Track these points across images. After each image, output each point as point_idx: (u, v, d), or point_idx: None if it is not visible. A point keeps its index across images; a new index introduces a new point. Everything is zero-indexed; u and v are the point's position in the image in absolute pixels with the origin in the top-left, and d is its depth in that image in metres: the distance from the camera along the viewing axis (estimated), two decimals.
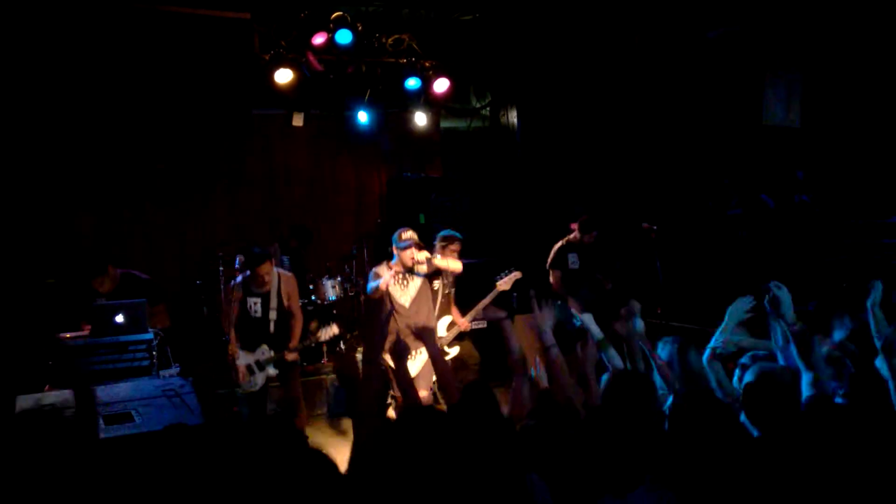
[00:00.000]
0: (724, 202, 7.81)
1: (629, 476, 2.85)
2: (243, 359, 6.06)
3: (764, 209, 7.89)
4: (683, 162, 8.27)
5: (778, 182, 7.76)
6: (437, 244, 6.80)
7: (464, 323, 6.97)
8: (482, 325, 8.09)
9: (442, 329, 6.93)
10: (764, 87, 6.69)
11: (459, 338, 7.11)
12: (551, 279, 7.74)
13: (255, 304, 6.08)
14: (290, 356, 6.11)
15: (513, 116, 9.47)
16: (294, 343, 6.13)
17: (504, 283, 6.87)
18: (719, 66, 7.54)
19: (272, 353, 6.06)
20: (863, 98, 7.21)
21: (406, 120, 9.35)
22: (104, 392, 4.69)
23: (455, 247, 6.83)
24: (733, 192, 7.73)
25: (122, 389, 4.79)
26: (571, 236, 7.69)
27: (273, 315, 6.08)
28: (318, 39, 7.94)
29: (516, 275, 6.90)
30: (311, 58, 8.02)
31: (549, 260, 7.72)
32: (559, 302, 7.81)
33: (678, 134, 8.22)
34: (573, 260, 7.64)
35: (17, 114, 7.31)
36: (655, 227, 7.47)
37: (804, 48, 6.93)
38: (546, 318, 4.00)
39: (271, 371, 6.09)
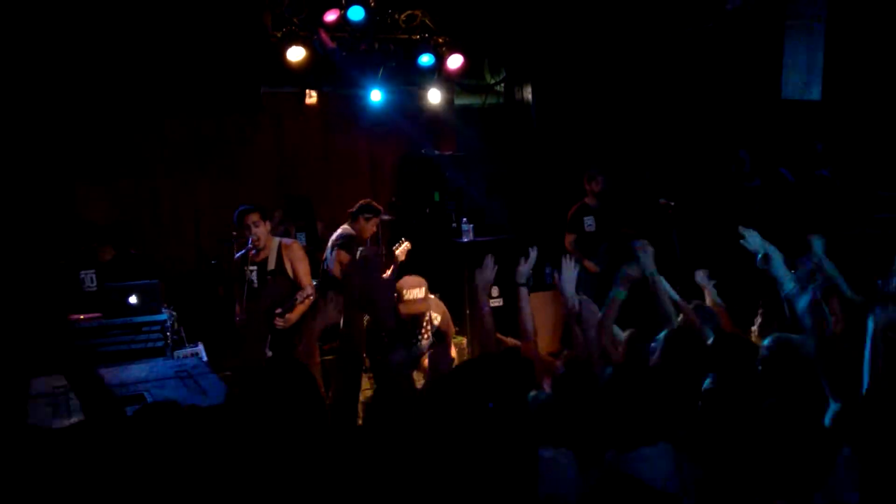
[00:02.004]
0: (742, 175, 7.71)
1: (642, 434, 2.82)
2: None
3: (783, 183, 7.79)
4: (701, 137, 8.15)
5: (797, 155, 7.64)
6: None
7: None
8: (499, 302, 8.06)
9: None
10: (783, 59, 6.56)
11: None
12: (566, 242, 7.81)
13: (252, 272, 5.69)
14: (279, 322, 5.54)
15: (528, 92, 9.36)
16: (285, 310, 5.54)
17: (400, 253, 6.90)
18: (738, 39, 7.39)
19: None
20: (885, 70, 7.06)
21: (420, 97, 9.26)
22: (117, 373, 4.70)
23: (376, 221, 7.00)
24: (750, 164, 7.63)
25: (135, 370, 4.80)
26: (586, 199, 7.77)
27: None
28: (331, 16, 7.86)
29: (406, 246, 6.90)
30: (324, 35, 7.94)
31: (567, 224, 7.78)
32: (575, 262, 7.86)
33: (696, 108, 8.10)
34: (589, 223, 7.76)
35: (22, 89, 7.28)
36: (673, 203, 7.39)
37: (825, 18, 6.78)
38: (566, 282, 3.99)
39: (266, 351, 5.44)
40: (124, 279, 6.05)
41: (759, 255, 3.81)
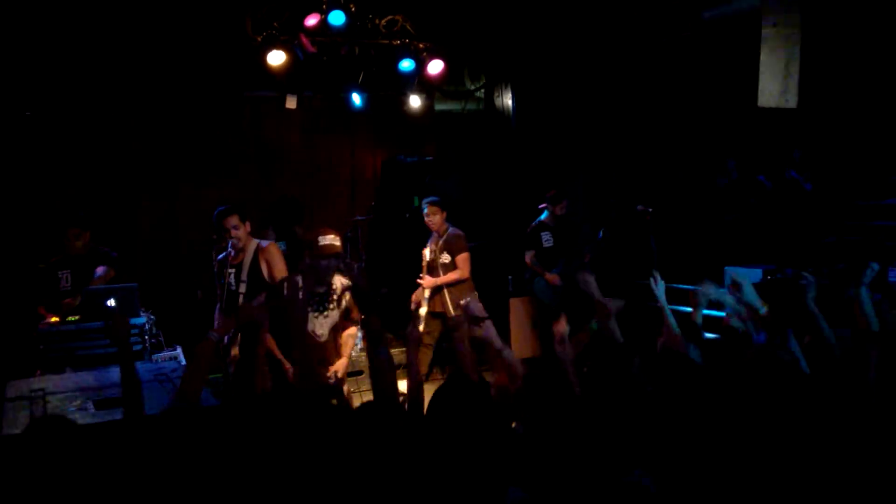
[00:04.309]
0: (732, 184, 7.83)
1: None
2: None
3: (761, 190, 7.88)
4: (679, 144, 8.24)
5: (774, 163, 7.74)
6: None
7: (424, 281, 7.38)
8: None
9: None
10: (759, 68, 6.64)
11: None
12: (526, 258, 8.01)
13: (230, 274, 5.55)
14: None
15: (507, 99, 9.42)
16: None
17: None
18: (714, 48, 7.48)
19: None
20: (861, 78, 7.17)
21: (400, 102, 9.29)
22: (95, 377, 4.67)
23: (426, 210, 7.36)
24: (731, 171, 7.74)
25: (114, 374, 4.75)
26: (543, 217, 7.93)
27: (243, 288, 5.52)
28: (311, 21, 7.87)
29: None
30: (304, 39, 7.94)
31: (525, 240, 7.95)
32: (537, 279, 8.02)
33: (673, 116, 8.19)
34: (547, 238, 7.95)
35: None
36: (650, 210, 7.47)
37: (801, 27, 6.88)
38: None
39: (235, 352, 5.42)
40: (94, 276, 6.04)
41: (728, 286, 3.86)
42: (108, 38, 7.39)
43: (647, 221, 7.54)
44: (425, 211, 7.43)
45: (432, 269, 7.45)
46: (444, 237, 7.43)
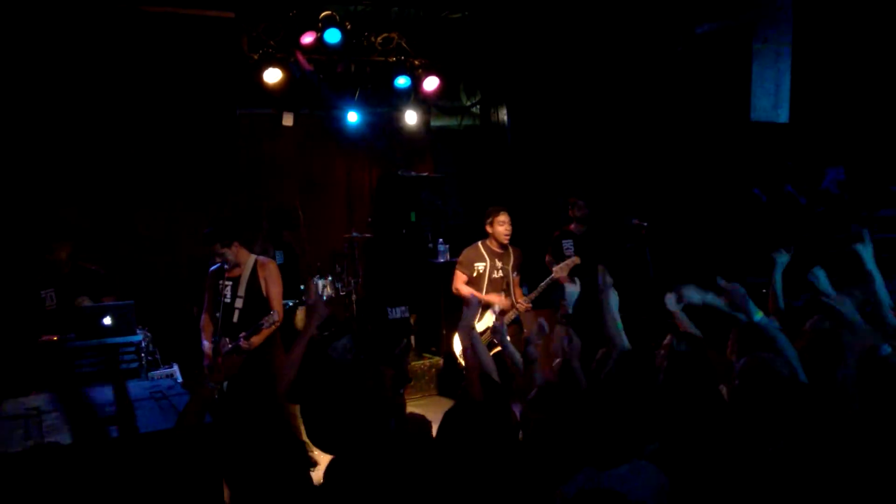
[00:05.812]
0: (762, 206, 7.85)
1: (615, 452, 2.85)
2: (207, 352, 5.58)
3: (757, 203, 7.90)
4: (673, 158, 8.26)
5: (768, 176, 7.75)
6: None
7: (522, 305, 6.97)
8: None
9: (487, 320, 6.88)
10: (751, 82, 6.69)
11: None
12: (546, 259, 7.93)
13: (226, 287, 5.61)
14: (243, 344, 5.41)
15: (503, 114, 9.45)
16: (250, 333, 5.42)
17: (560, 270, 6.86)
18: (707, 63, 7.52)
19: (230, 346, 5.46)
20: (855, 89, 7.20)
21: (396, 119, 9.34)
22: (91, 395, 4.67)
23: (501, 218, 6.96)
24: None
25: (110, 392, 4.76)
26: (571, 225, 7.86)
27: (239, 303, 5.60)
28: (307, 39, 7.94)
29: (574, 260, 6.86)
30: (300, 57, 8.02)
31: (549, 242, 7.87)
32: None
33: (667, 130, 8.21)
34: (567, 246, 7.80)
35: None
36: (646, 224, 7.47)
37: (792, 42, 6.93)
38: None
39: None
40: (81, 294, 6.03)
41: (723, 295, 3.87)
42: (103, 56, 7.42)
43: (643, 235, 7.54)
44: (501, 219, 6.95)
45: (504, 288, 7.04)
46: (513, 253, 7.10)
